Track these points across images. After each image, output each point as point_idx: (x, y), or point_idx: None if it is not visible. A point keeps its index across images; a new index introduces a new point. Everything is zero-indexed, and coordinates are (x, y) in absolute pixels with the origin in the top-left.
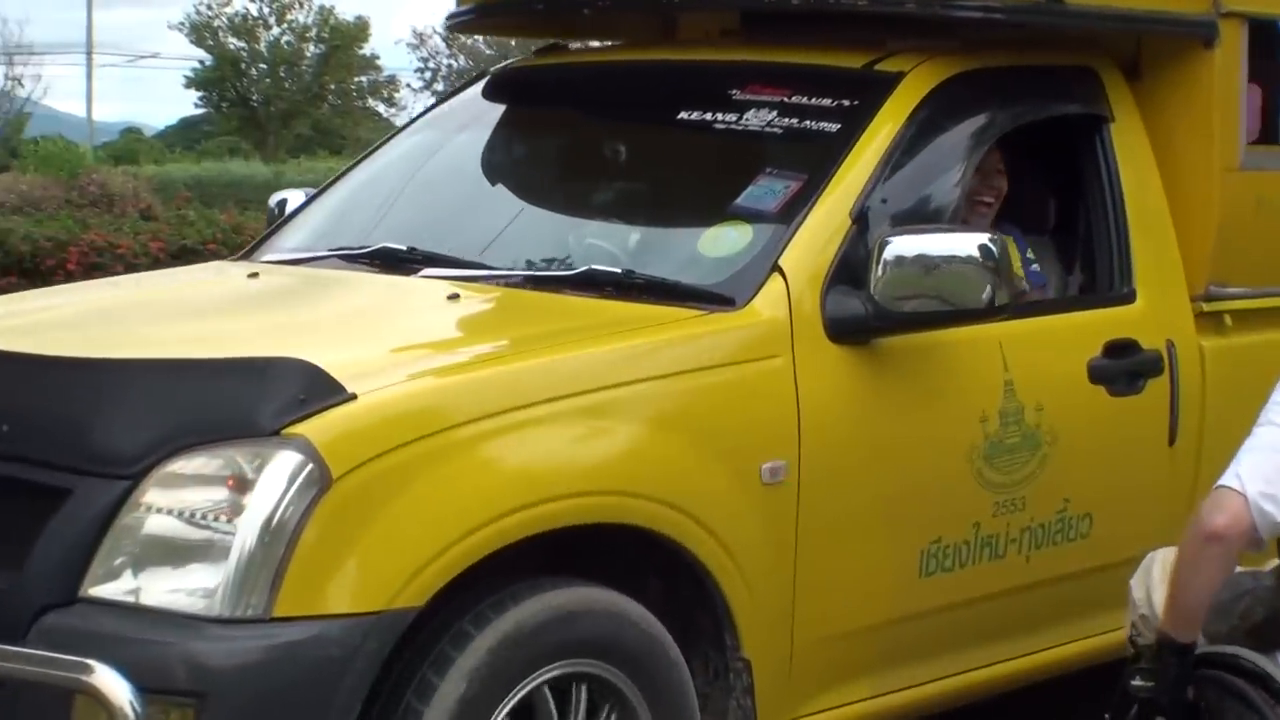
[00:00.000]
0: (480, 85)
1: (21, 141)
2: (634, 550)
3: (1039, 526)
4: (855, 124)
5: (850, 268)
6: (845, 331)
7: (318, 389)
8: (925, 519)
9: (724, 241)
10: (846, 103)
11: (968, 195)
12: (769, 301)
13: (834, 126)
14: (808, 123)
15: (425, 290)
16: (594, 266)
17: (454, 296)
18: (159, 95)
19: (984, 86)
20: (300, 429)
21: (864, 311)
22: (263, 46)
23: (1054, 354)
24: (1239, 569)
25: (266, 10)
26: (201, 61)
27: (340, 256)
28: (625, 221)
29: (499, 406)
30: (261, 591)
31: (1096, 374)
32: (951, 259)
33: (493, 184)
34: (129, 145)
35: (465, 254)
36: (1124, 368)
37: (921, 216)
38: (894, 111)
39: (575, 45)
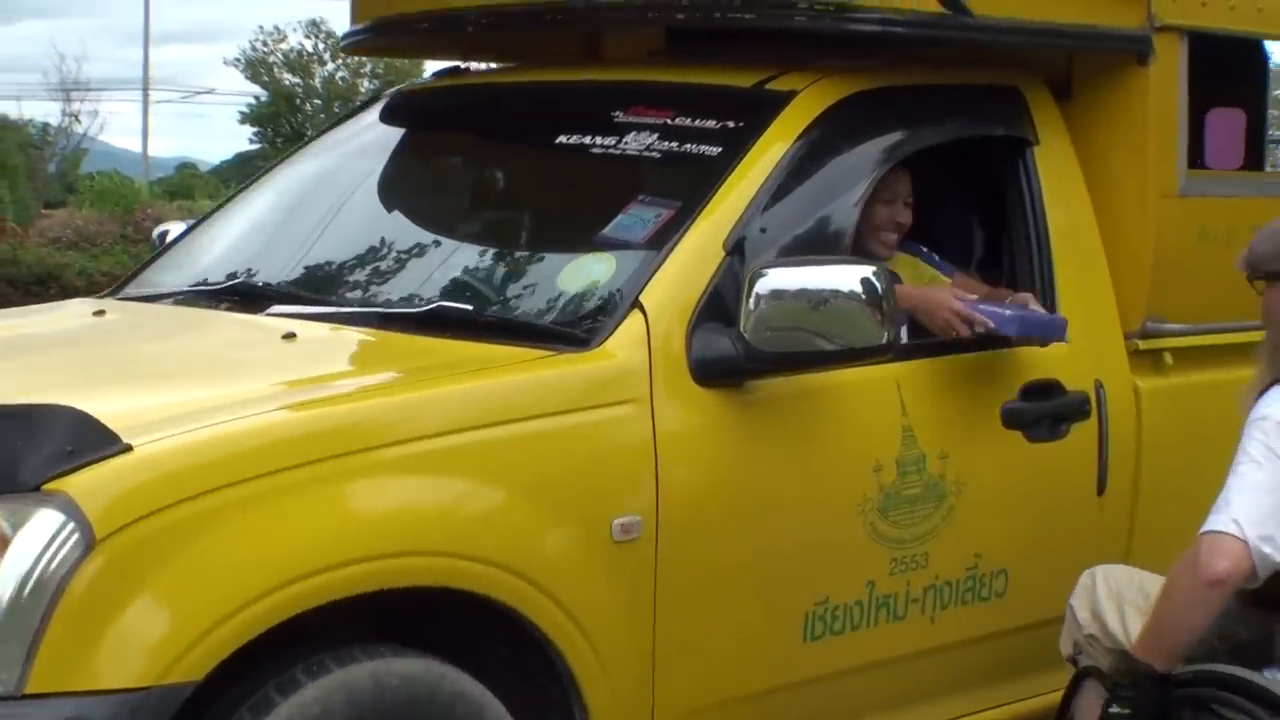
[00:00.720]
0: (369, 110)
1: (78, 177)
2: (477, 615)
3: (945, 585)
4: (738, 147)
5: (723, 304)
6: (713, 373)
7: (88, 440)
8: (809, 578)
9: (584, 275)
10: (731, 124)
11: (873, 227)
12: (626, 341)
13: (715, 150)
14: (688, 146)
15: (263, 329)
16: (443, 304)
17: (289, 336)
18: (214, 131)
19: (886, 107)
20: (63, 484)
21: (734, 352)
22: (317, 82)
23: (962, 397)
24: None
25: (321, 46)
26: (256, 97)
27: (198, 292)
28: (493, 254)
29: (299, 458)
30: (13, 664)
31: (1011, 418)
32: (831, 293)
33: (365, 215)
34: (184, 180)
35: (326, 289)
36: (1044, 411)
37: (809, 248)
38: (781, 133)
39: (480, 67)
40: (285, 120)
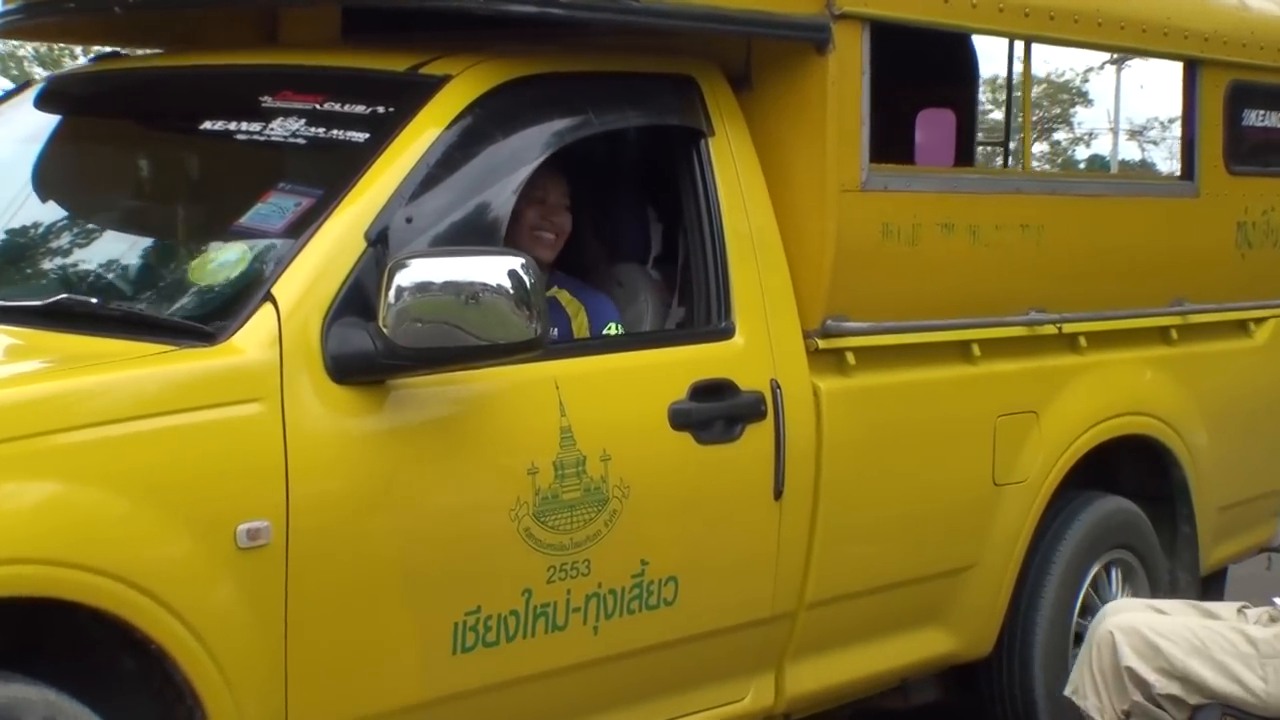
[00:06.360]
0: (25, 94)
1: None
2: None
3: (609, 593)
4: (385, 133)
5: (364, 297)
6: (351, 370)
7: None
8: (458, 587)
9: (217, 267)
10: (381, 109)
11: (528, 228)
12: (254, 336)
13: (362, 136)
14: (335, 132)
15: None
16: (67, 297)
17: None
18: None
19: (546, 94)
20: None
21: (371, 347)
22: None
23: (626, 397)
24: None
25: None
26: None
27: None
28: (127, 246)
29: None
30: None
31: (679, 419)
32: (475, 286)
33: (11, 202)
34: None
35: None
36: (715, 412)
37: (460, 240)
38: (431, 119)
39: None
40: None
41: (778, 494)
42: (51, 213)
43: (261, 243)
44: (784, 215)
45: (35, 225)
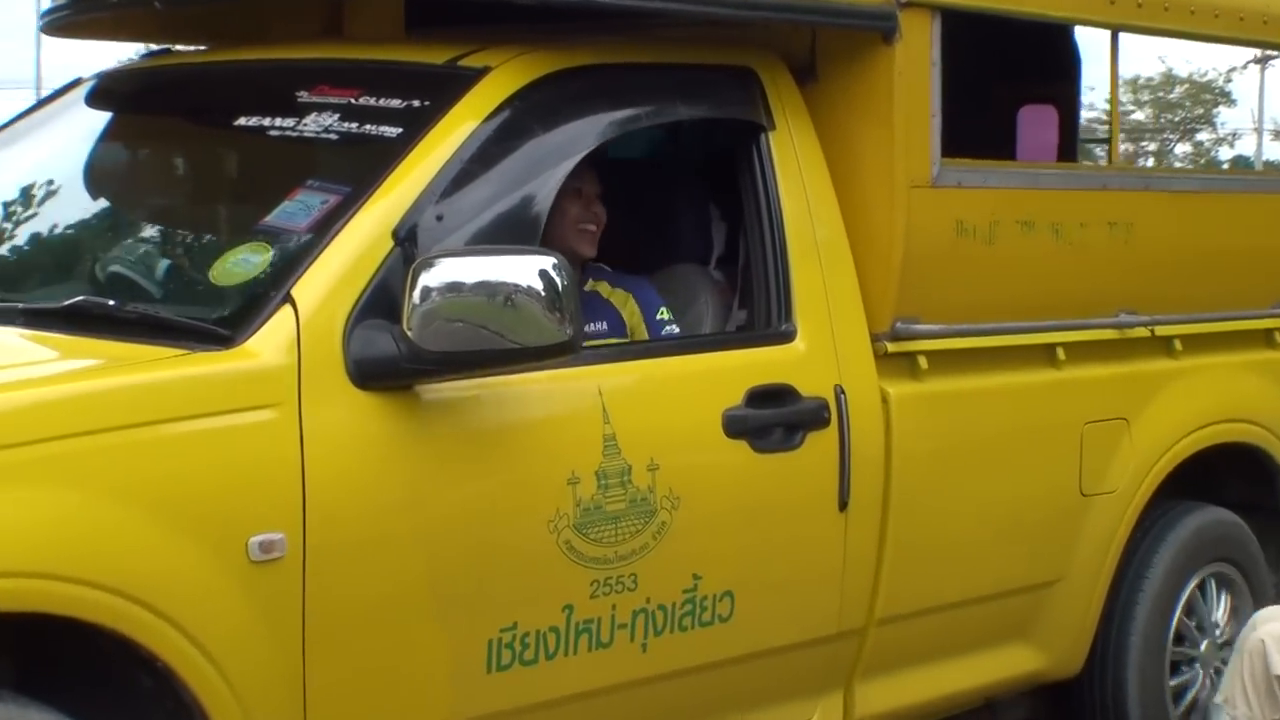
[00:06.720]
0: (74, 92)
1: None
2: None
3: (658, 609)
4: (418, 127)
5: (390, 298)
6: (374, 375)
7: None
8: (492, 602)
9: (238, 267)
10: (416, 103)
11: (572, 223)
12: (271, 339)
13: (395, 131)
14: (368, 127)
15: None
16: (86, 299)
17: None
18: None
19: (593, 86)
20: None
21: (395, 351)
22: None
23: (675, 403)
24: None
25: None
26: None
27: None
28: (156, 246)
29: None
30: None
31: (734, 426)
32: (503, 287)
33: (39, 205)
34: None
35: None
36: (773, 418)
37: (494, 239)
38: (467, 112)
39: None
40: None
41: (842, 505)
42: (82, 211)
43: (284, 242)
44: (851, 213)
45: (67, 224)
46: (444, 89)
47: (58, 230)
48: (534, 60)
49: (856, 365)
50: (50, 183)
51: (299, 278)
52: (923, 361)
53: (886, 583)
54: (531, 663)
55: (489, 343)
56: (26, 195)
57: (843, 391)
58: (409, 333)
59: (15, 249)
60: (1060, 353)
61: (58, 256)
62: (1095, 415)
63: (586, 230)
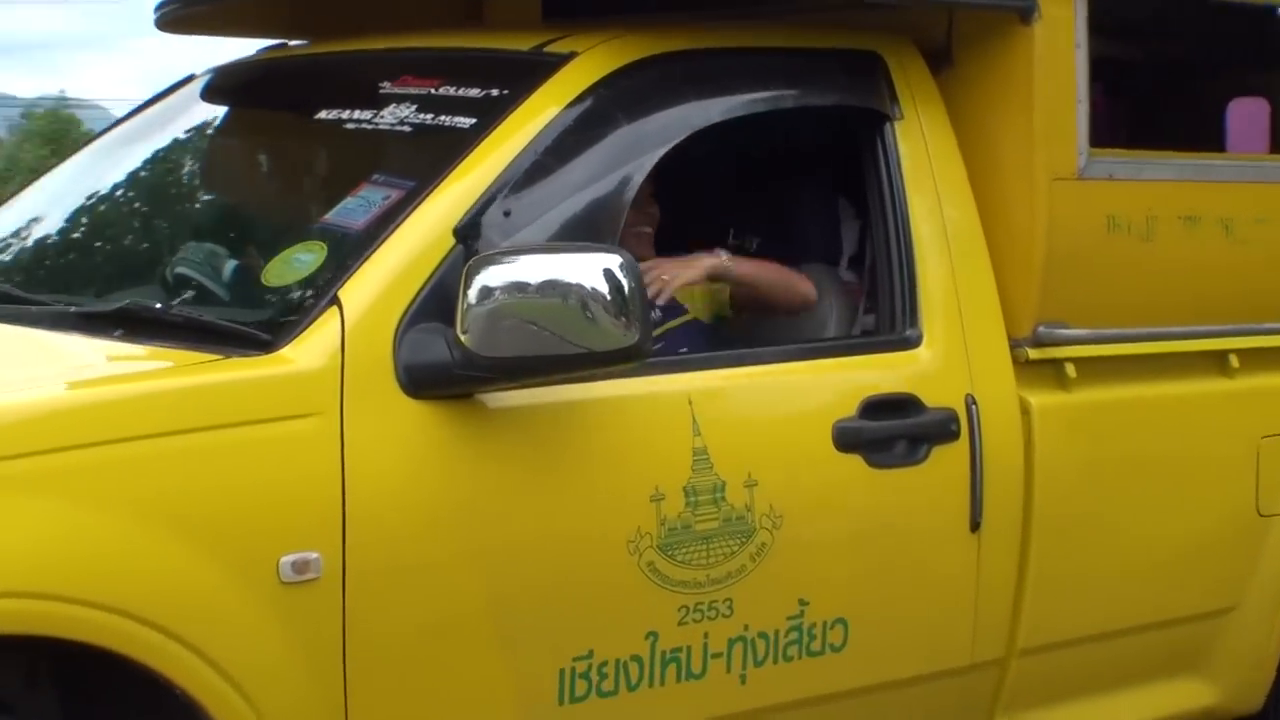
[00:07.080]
0: (184, 89)
1: None
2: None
3: (758, 637)
4: (492, 118)
5: (448, 299)
6: (426, 382)
7: None
8: (562, 629)
9: (291, 267)
10: (495, 92)
11: (629, 228)
12: (312, 343)
13: (468, 121)
14: (443, 118)
15: None
16: (134, 301)
17: None
18: None
19: (689, 72)
20: None
21: (448, 357)
22: None
23: (777, 415)
24: None
25: None
26: None
27: None
28: (230, 244)
29: None
30: None
31: (846, 439)
32: (562, 288)
33: (109, 205)
34: None
35: (56, 284)
36: (893, 430)
37: (566, 237)
38: (546, 101)
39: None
40: None
41: (974, 525)
42: (152, 214)
43: (339, 240)
44: (989, 208)
45: (131, 227)
46: (525, 76)
47: (139, 229)
48: (624, 45)
49: (992, 373)
50: (127, 183)
51: (348, 278)
52: (1070, 369)
53: (1029, 610)
54: (610, 694)
55: (549, 347)
56: (121, 194)
57: (975, 402)
58: (462, 336)
59: (98, 249)
60: (1233, 360)
61: (133, 257)
62: (1274, 429)
63: (643, 233)
